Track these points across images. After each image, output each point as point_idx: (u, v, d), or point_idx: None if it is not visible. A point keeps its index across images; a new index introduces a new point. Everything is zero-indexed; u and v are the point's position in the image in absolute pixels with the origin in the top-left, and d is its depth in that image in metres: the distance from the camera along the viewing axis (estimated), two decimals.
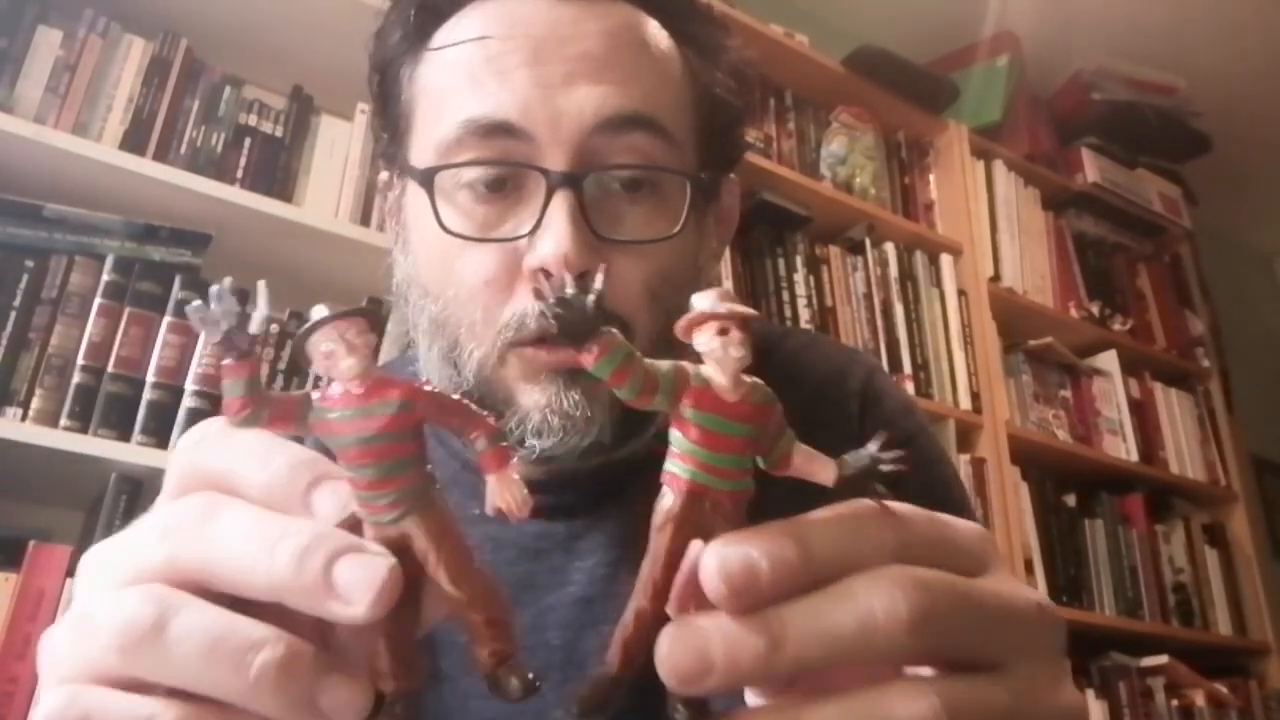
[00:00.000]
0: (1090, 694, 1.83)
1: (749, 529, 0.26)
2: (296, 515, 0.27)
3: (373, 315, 0.26)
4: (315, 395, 0.26)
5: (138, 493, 1.11)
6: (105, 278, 1.18)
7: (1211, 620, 2.12)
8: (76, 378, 1.15)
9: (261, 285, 0.26)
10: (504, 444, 0.27)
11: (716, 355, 0.26)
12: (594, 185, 0.53)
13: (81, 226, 1.20)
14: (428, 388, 0.27)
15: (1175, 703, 1.93)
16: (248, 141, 1.39)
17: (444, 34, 0.57)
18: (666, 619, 0.26)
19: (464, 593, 0.27)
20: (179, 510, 0.28)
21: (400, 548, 0.26)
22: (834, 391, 0.65)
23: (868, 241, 1.89)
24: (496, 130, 0.53)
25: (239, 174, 1.37)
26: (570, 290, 0.25)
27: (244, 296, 0.25)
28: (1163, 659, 1.93)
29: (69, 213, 1.19)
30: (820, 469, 0.28)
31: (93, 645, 0.27)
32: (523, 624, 0.58)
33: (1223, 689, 2.00)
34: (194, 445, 0.29)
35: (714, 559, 0.25)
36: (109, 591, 0.28)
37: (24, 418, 1.12)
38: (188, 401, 1.19)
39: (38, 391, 1.13)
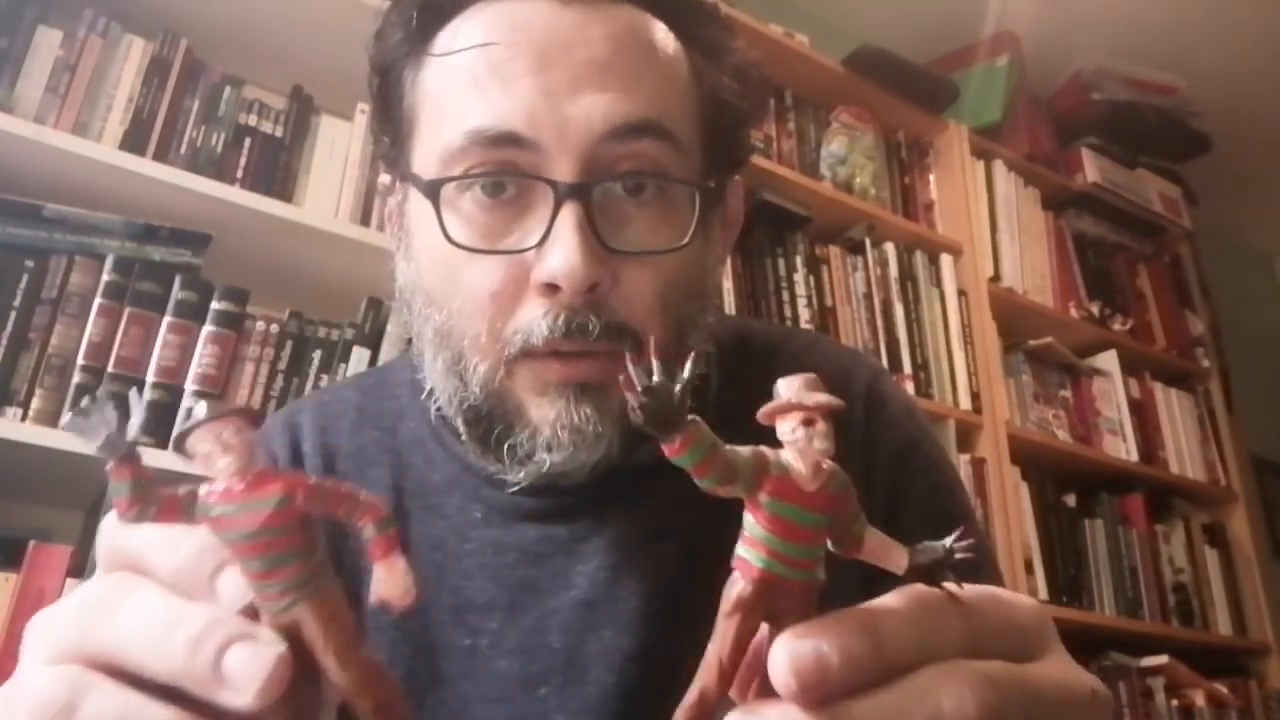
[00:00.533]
0: None
1: (820, 619, 0.26)
2: (203, 599, 0.27)
3: (249, 414, 0.27)
4: (201, 491, 0.27)
5: None
6: (105, 278, 1.18)
7: (1211, 620, 2.12)
8: (76, 378, 1.14)
9: (133, 394, 0.29)
10: (390, 530, 0.27)
11: (800, 446, 0.26)
12: (600, 191, 0.52)
13: (81, 226, 1.20)
14: (310, 479, 0.27)
15: (1175, 703, 1.93)
16: (248, 141, 1.39)
17: (446, 36, 0.56)
18: (730, 703, 0.26)
19: (350, 677, 0.26)
20: (96, 589, 0.29)
21: (293, 634, 0.26)
22: (837, 394, 0.65)
23: (868, 241, 1.89)
24: (502, 140, 0.52)
25: (239, 174, 1.37)
26: (657, 378, 0.25)
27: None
28: (1163, 659, 1.93)
29: (69, 213, 1.19)
30: (894, 556, 0.28)
31: None
32: (525, 627, 0.58)
33: (1223, 689, 2.00)
34: (110, 527, 0.30)
35: (784, 652, 0.25)
36: (37, 665, 0.29)
37: (24, 418, 1.12)
38: (187, 402, 1.19)
39: (38, 391, 1.13)
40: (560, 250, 0.50)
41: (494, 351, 0.53)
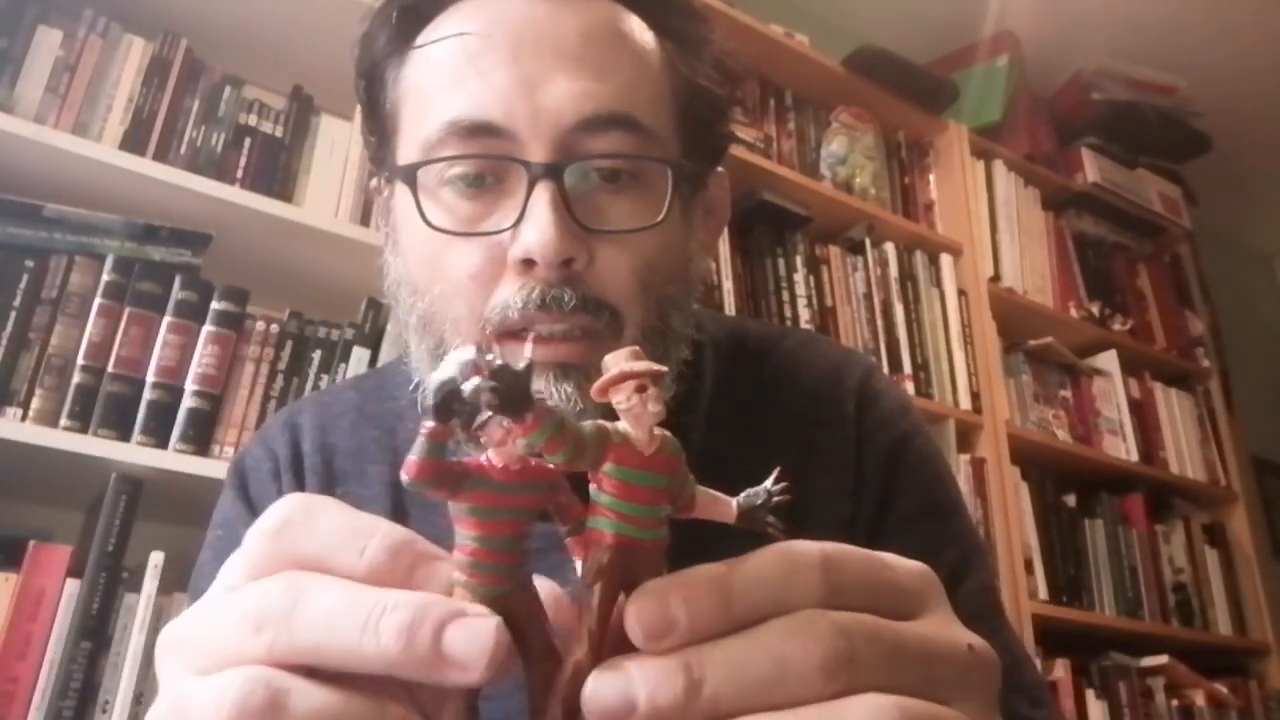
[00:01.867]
0: (1090, 694, 1.83)
1: (672, 575, 0.27)
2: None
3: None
4: (483, 460, 0.27)
5: (138, 493, 1.11)
6: (105, 278, 1.18)
7: (1211, 620, 2.12)
8: (76, 378, 1.15)
9: (480, 358, 0.26)
10: (597, 558, 0.28)
11: (636, 412, 0.27)
12: (575, 178, 0.53)
13: (81, 226, 1.20)
14: (563, 473, 0.28)
15: (1175, 703, 1.93)
16: (248, 141, 1.39)
17: (426, 35, 0.57)
18: None
19: (535, 674, 0.28)
20: (266, 593, 0.27)
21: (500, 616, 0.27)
22: (831, 391, 0.66)
23: (868, 241, 1.89)
24: (479, 130, 0.53)
25: (239, 174, 1.37)
26: (499, 360, 0.25)
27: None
28: (1163, 659, 1.93)
29: (69, 213, 1.19)
30: (722, 509, 0.29)
31: None
32: None
33: (1223, 689, 2.00)
34: (277, 531, 0.28)
35: (633, 607, 0.26)
36: (195, 676, 0.27)
37: (24, 418, 1.12)
38: (188, 401, 1.19)
39: (38, 391, 1.13)
40: (533, 225, 0.51)
41: (474, 332, 0.54)
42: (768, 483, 0.30)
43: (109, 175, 1.23)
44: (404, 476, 0.26)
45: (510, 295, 0.52)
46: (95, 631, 1.05)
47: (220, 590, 0.29)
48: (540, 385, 0.52)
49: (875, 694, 0.25)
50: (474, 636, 0.25)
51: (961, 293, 1.97)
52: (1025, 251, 2.15)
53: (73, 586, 1.06)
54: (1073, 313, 2.20)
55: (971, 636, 0.30)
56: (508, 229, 0.52)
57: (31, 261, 1.16)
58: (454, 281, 0.54)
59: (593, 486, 0.27)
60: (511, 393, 0.25)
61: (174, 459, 1.16)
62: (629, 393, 0.27)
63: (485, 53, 0.54)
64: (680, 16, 0.61)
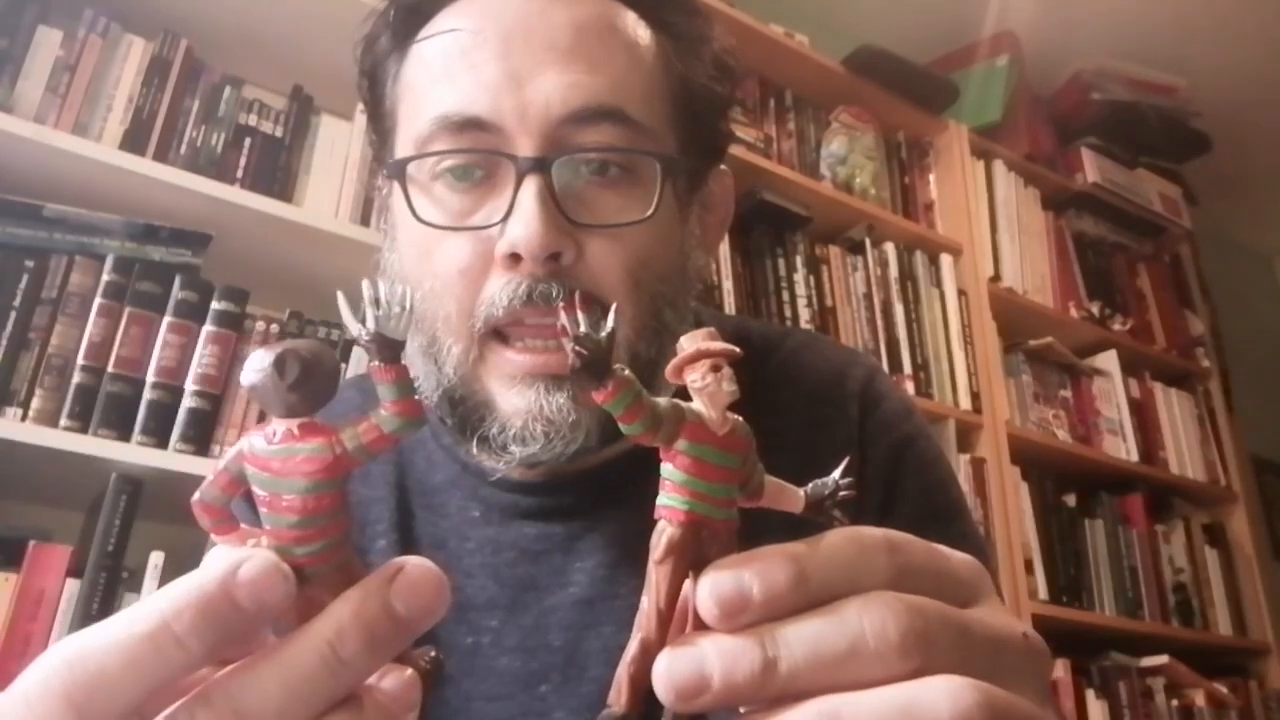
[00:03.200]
0: (1090, 694, 1.83)
1: (745, 553, 0.27)
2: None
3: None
4: (252, 439, 0.27)
5: (138, 493, 1.11)
6: (105, 278, 1.18)
7: (1211, 620, 2.12)
8: (76, 378, 1.14)
9: (400, 294, 0.27)
10: (670, 533, 0.28)
11: (710, 390, 0.27)
12: (565, 172, 0.53)
13: (81, 226, 1.20)
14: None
15: (1175, 703, 1.93)
16: (248, 141, 1.39)
17: (424, 33, 0.58)
18: None
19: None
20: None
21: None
22: (834, 393, 0.65)
23: (868, 241, 1.89)
24: (468, 125, 0.53)
25: (239, 174, 1.37)
26: (585, 328, 0.26)
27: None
28: (1163, 659, 1.93)
29: (69, 213, 1.19)
30: (790, 498, 0.30)
31: None
32: (525, 625, 0.58)
33: (1223, 689, 2.00)
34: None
35: (708, 582, 0.26)
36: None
37: (24, 418, 1.12)
38: (188, 401, 1.19)
39: (38, 391, 1.13)
40: (519, 219, 0.51)
41: (464, 330, 0.54)
42: (835, 474, 0.30)
43: (109, 175, 1.23)
44: (400, 417, 0.27)
45: (497, 291, 0.52)
46: None
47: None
48: (531, 397, 0.52)
49: (952, 675, 0.25)
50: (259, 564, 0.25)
51: (961, 293, 1.97)
52: (1025, 251, 2.15)
53: (73, 586, 1.06)
54: (1073, 313, 2.20)
55: (1025, 626, 0.30)
56: (496, 224, 0.52)
57: (31, 261, 1.16)
58: (444, 277, 0.54)
59: (666, 464, 0.27)
60: (594, 359, 0.26)
61: (174, 459, 1.16)
62: (704, 371, 0.27)
63: (476, 47, 0.54)
64: (678, 12, 0.60)
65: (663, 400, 0.27)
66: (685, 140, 0.59)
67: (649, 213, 0.54)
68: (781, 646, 0.25)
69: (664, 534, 0.27)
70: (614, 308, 0.28)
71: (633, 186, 0.55)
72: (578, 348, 0.26)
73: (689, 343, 0.27)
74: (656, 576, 0.27)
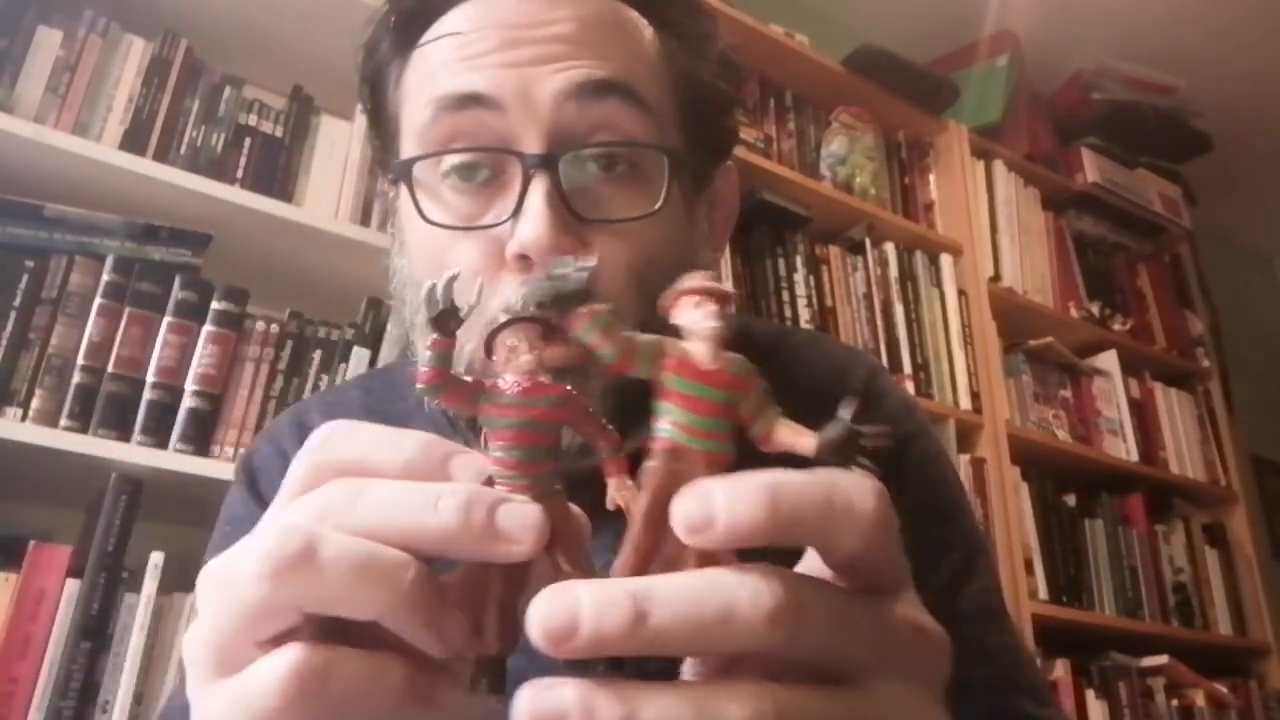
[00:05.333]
0: (1090, 694, 1.83)
1: (724, 475, 0.26)
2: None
3: (546, 323, 0.29)
4: (490, 382, 0.30)
5: (138, 493, 1.11)
6: (105, 278, 1.18)
7: (1211, 620, 2.12)
8: (76, 378, 1.14)
9: (449, 273, 0.30)
10: (621, 456, 0.30)
11: (693, 324, 0.27)
12: (572, 169, 0.53)
13: (81, 226, 1.20)
14: (576, 393, 0.30)
15: (1175, 703, 1.93)
16: (248, 141, 1.39)
17: (425, 36, 0.57)
18: None
19: (578, 573, 0.29)
20: (323, 495, 0.30)
21: None
22: (835, 391, 0.65)
23: (868, 241, 1.89)
24: (466, 101, 0.53)
25: (239, 174, 1.37)
26: (562, 268, 0.27)
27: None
28: (1163, 659, 1.93)
29: (69, 213, 1.19)
30: (804, 441, 0.29)
31: (240, 585, 0.28)
32: None
33: (1223, 689, 2.00)
34: (319, 445, 0.32)
35: (678, 499, 0.26)
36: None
37: (24, 418, 1.12)
38: (188, 401, 1.19)
39: (38, 391, 1.13)
40: (528, 220, 0.50)
41: (477, 330, 0.53)
42: (844, 413, 0.28)
43: (109, 175, 1.23)
44: (418, 385, 0.29)
45: (506, 294, 0.52)
46: (95, 631, 1.05)
47: (280, 500, 0.32)
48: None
49: (760, 681, 0.26)
50: (522, 515, 0.28)
51: (961, 293, 1.97)
52: (1025, 251, 2.15)
53: (73, 586, 1.06)
54: (1073, 313, 2.20)
55: (927, 622, 0.30)
56: (504, 222, 0.52)
57: (31, 261, 1.16)
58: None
59: (656, 400, 0.28)
60: (567, 287, 0.27)
61: (174, 459, 1.16)
62: (689, 308, 0.28)
63: (476, 43, 0.54)
64: (682, 11, 0.60)
65: (646, 335, 0.28)
66: (691, 137, 0.59)
67: (656, 206, 0.54)
68: (655, 603, 0.25)
69: (648, 463, 0.28)
70: (595, 261, 0.28)
71: (640, 184, 0.54)
72: (548, 276, 0.27)
73: (679, 283, 0.28)
74: (636, 507, 0.28)
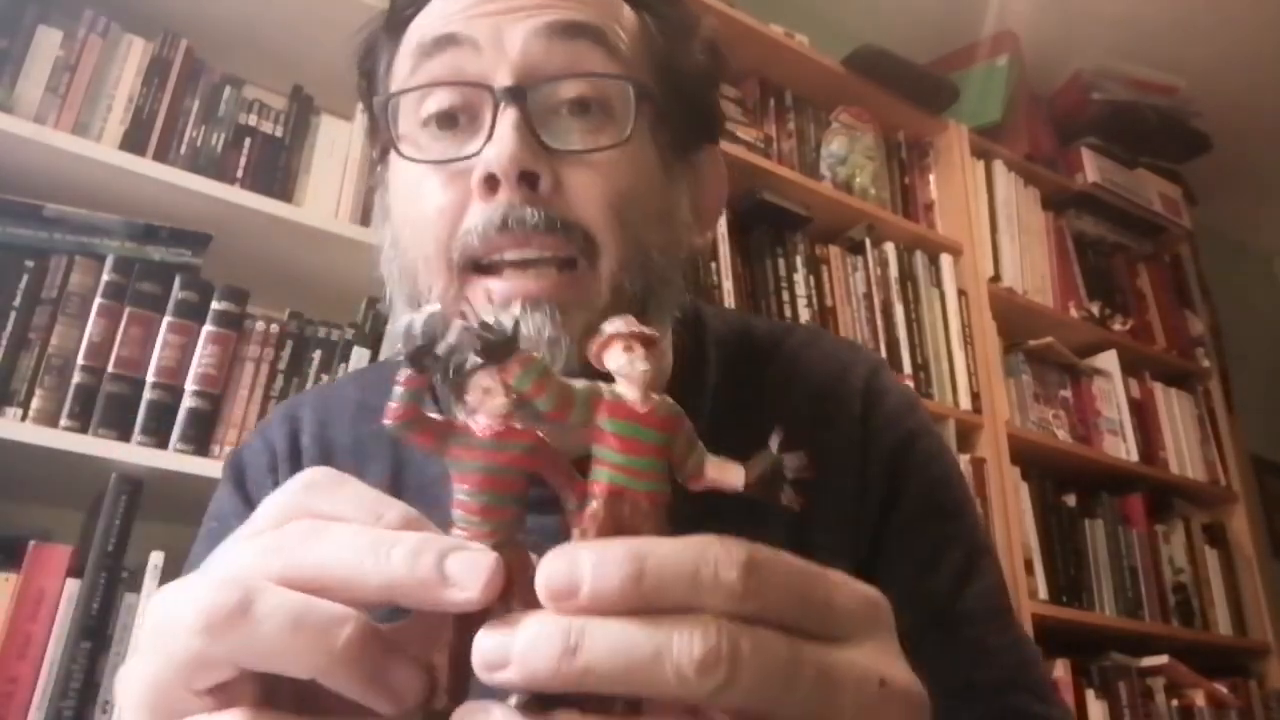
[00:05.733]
0: (1090, 694, 1.83)
1: (594, 541, 0.27)
2: None
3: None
4: (462, 422, 0.29)
5: (138, 493, 1.11)
6: (105, 278, 1.18)
7: (1211, 620, 2.12)
8: (76, 378, 1.14)
9: (456, 325, 0.28)
10: (591, 507, 0.29)
11: (625, 370, 0.28)
12: (541, 105, 0.53)
13: (81, 226, 1.20)
14: (550, 442, 0.29)
15: (1175, 703, 1.93)
16: (248, 141, 1.39)
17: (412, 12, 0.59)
18: None
19: None
20: (280, 532, 0.29)
21: None
22: (837, 389, 0.65)
23: (868, 241, 1.89)
24: (442, 43, 0.54)
25: (239, 174, 1.37)
26: (491, 317, 0.27)
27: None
28: (1163, 659, 1.93)
29: (69, 213, 1.19)
30: (731, 476, 0.29)
31: (176, 636, 0.27)
32: None
33: (1223, 689, 2.00)
34: (299, 490, 0.31)
35: (544, 561, 0.26)
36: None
37: (24, 418, 1.12)
38: (188, 401, 1.19)
39: (38, 391, 1.13)
40: (495, 142, 0.51)
41: (443, 265, 0.53)
42: (773, 445, 0.29)
43: (109, 175, 1.23)
44: (385, 421, 0.29)
45: (474, 220, 0.52)
46: (95, 631, 1.05)
47: (243, 533, 0.31)
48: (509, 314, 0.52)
49: None
50: (473, 563, 0.27)
51: (961, 293, 1.97)
52: (1025, 251, 2.15)
53: (73, 586, 1.06)
54: (1073, 313, 2.20)
55: (896, 674, 0.28)
56: (472, 155, 0.52)
57: (31, 261, 1.16)
58: (424, 217, 0.54)
59: (594, 445, 0.28)
60: (496, 340, 0.27)
61: (174, 459, 1.16)
62: (618, 352, 0.28)
63: (451, 4, 0.56)
64: (661, 2, 0.61)
65: (580, 382, 0.28)
66: (669, 105, 0.58)
67: (624, 136, 0.54)
68: (587, 639, 0.25)
69: (589, 507, 0.28)
70: (520, 299, 0.29)
71: (610, 122, 0.55)
72: (478, 330, 0.27)
73: (606, 327, 0.28)
74: None
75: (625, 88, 0.55)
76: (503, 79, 0.53)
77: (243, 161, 1.38)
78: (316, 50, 1.42)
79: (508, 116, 0.51)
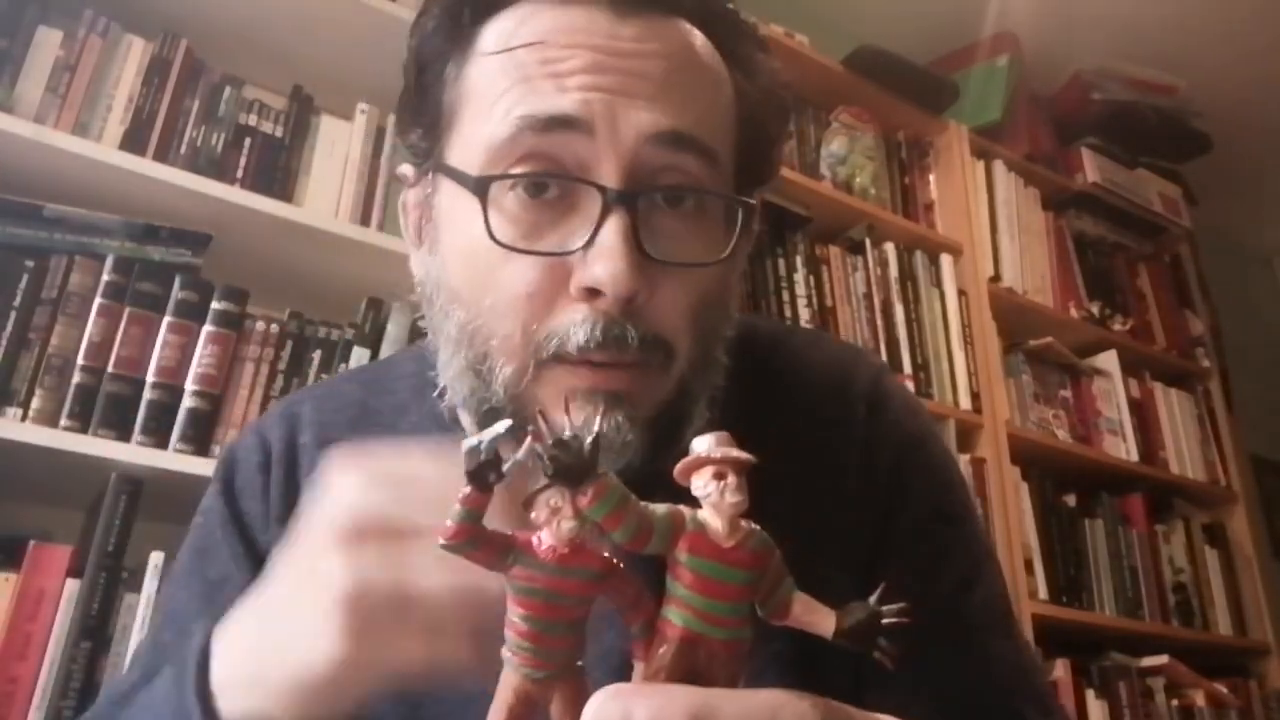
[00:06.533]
0: (1090, 694, 1.83)
1: (659, 684, 0.25)
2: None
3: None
4: (519, 539, 0.27)
5: (138, 493, 1.11)
6: (105, 278, 1.18)
7: (1211, 620, 2.12)
8: (76, 378, 1.14)
9: (527, 444, 0.26)
10: (660, 652, 0.27)
11: (713, 500, 0.26)
12: (642, 203, 0.52)
13: (81, 226, 1.20)
14: (620, 565, 0.27)
15: (1175, 703, 1.93)
16: (248, 141, 1.39)
17: (492, 33, 0.55)
18: None
19: None
20: None
21: (534, 700, 0.26)
22: (841, 391, 0.65)
23: (868, 241, 1.89)
24: (555, 124, 0.51)
25: (239, 174, 1.37)
26: (569, 433, 0.25)
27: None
28: (1163, 659, 1.93)
29: (69, 213, 1.19)
30: (820, 620, 0.27)
31: None
32: None
33: (1223, 689, 2.00)
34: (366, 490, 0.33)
35: (595, 700, 0.25)
36: None
37: (24, 418, 1.12)
38: (188, 401, 1.19)
39: (38, 391, 1.13)
40: (608, 257, 0.49)
41: (524, 353, 0.52)
42: (872, 599, 0.27)
43: (109, 175, 1.23)
44: (440, 541, 0.26)
45: (570, 324, 0.50)
46: (95, 631, 1.05)
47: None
48: (589, 411, 0.50)
49: None
50: None
51: (961, 293, 1.97)
52: (1025, 251, 2.15)
53: (73, 586, 1.06)
54: (1073, 313, 2.20)
55: None
56: (574, 251, 0.50)
57: (31, 261, 1.16)
58: (509, 297, 0.52)
59: (669, 576, 0.26)
60: (572, 462, 0.25)
61: (174, 459, 1.16)
62: (707, 479, 0.25)
63: (564, 60, 0.52)
64: (747, 43, 0.60)
65: (660, 507, 0.26)
66: (743, 170, 0.58)
67: (725, 254, 0.54)
68: None
69: (659, 648, 0.26)
70: (600, 411, 0.27)
71: (705, 222, 0.54)
72: (553, 450, 0.25)
73: (698, 445, 0.26)
74: None
75: (728, 206, 0.55)
76: (610, 175, 0.51)
77: (243, 161, 1.38)
78: (316, 50, 1.42)
79: (616, 224, 0.49)
